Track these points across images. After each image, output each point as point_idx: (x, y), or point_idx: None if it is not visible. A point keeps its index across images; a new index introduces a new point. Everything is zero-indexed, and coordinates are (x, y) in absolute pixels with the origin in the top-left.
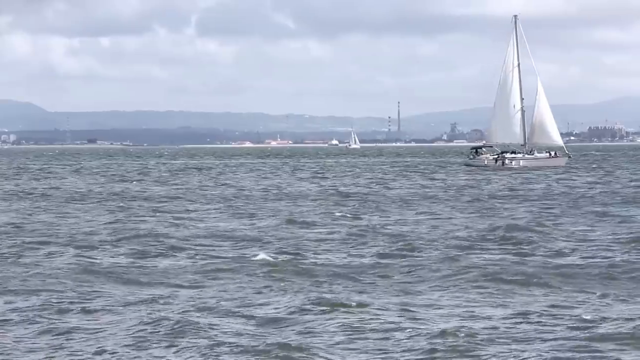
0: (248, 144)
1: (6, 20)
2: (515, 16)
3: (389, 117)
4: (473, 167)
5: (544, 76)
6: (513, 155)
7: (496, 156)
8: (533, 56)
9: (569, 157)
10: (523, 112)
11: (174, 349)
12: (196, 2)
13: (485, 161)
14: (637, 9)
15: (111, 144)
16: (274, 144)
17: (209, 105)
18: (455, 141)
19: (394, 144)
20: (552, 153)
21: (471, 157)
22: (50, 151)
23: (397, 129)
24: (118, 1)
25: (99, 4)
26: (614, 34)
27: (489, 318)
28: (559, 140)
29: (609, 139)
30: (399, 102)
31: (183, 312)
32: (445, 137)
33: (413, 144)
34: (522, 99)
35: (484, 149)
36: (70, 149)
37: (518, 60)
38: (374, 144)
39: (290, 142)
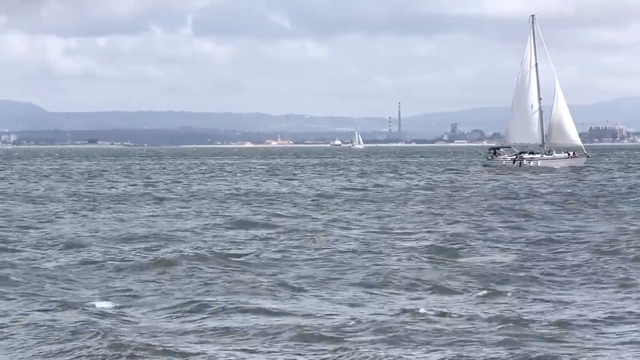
0: (249, 144)
1: (2, 20)
2: (533, 16)
3: (390, 118)
4: (491, 168)
5: (542, 76)
6: (531, 156)
7: (514, 156)
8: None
9: (588, 156)
10: (541, 112)
11: None
12: (192, 2)
13: (504, 162)
14: (632, 9)
15: (112, 144)
16: (274, 144)
17: (208, 105)
18: (455, 141)
19: (394, 144)
20: (571, 153)
21: (489, 157)
22: (52, 151)
23: (397, 130)
24: (115, 1)
25: (97, 4)
26: (610, 34)
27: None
28: (577, 140)
29: (610, 139)
30: (399, 103)
31: None
32: (445, 137)
33: (414, 144)
34: (539, 99)
35: (502, 150)
36: (72, 149)
37: (536, 60)
38: (375, 145)
39: (290, 142)
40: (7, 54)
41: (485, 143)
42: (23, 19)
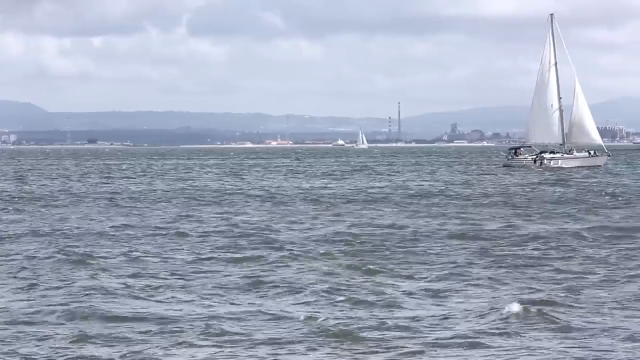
0: (248, 144)
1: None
2: (552, 15)
3: (389, 118)
4: (512, 168)
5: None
6: (552, 155)
7: (535, 156)
8: (528, 56)
9: (609, 155)
10: (561, 111)
11: None
12: (186, 3)
13: (524, 162)
14: (627, 8)
15: (111, 144)
16: (274, 144)
17: (207, 105)
18: (455, 141)
19: (395, 145)
20: (592, 152)
21: (510, 157)
22: (54, 152)
23: (397, 130)
24: (110, 1)
25: (93, 4)
26: (606, 34)
27: None
28: (598, 139)
29: (610, 139)
30: (399, 103)
31: None
32: (445, 137)
33: (414, 144)
34: (559, 98)
35: (522, 150)
36: (72, 150)
37: (555, 59)
38: (375, 145)
39: (290, 142)
40: (5, 54)
41: (485, 143)
42: (20, 19)
